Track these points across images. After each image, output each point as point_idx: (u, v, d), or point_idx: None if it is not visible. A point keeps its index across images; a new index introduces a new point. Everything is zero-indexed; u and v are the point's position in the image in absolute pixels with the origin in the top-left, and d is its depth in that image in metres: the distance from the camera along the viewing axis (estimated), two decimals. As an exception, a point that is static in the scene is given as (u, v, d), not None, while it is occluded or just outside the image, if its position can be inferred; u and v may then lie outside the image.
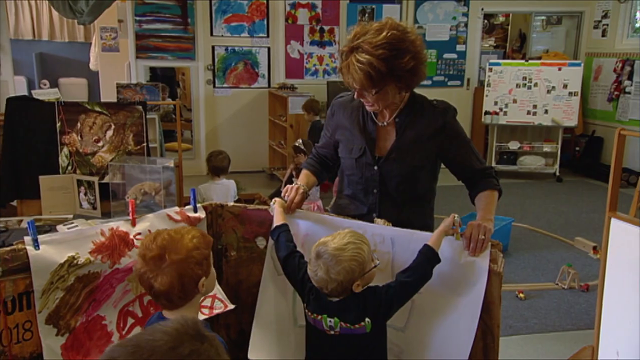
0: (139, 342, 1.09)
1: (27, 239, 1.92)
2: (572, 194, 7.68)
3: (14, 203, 3.90)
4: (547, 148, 8.35)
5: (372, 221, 2.23)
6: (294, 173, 5.42)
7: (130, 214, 2.20)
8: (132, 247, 2.12)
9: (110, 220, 2.39)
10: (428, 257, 2.00)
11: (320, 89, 7.97)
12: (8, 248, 1.90)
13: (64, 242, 1.98)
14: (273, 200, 2.32)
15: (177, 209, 2.33)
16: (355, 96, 2.28)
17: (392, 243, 2.13)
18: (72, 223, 3.42)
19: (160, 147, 6.10)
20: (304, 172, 2.50)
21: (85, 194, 3.66)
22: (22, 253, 1.88)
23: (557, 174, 8.20)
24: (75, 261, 1.97)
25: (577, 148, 8.58)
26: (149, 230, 2.18)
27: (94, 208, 3.62)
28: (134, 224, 2.18)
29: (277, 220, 2.23)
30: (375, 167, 2.32)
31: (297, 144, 5.61)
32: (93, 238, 2.05)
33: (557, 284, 4.68)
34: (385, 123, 2.33)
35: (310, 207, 4.73)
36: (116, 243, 2.09)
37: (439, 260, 2.00)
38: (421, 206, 2.41)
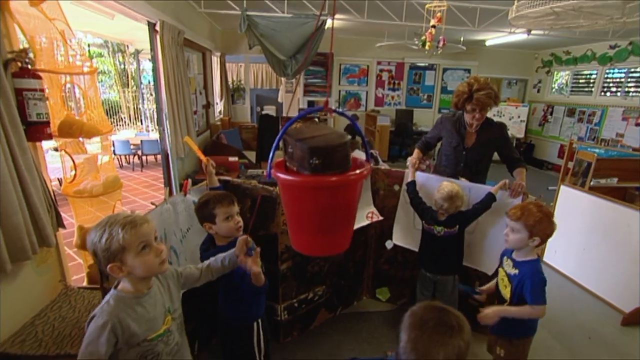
0: None
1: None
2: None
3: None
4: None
5: (457, 179, 2.18)
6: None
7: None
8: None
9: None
10: (490, 198, 1.97)
11: (392, 112, 7.78)
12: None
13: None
14: (408, 160, 2.23)
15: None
16: (472, 115, 2.14)
17: (469, 190, 2.09)
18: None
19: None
20: (416, 150, 2.36)
21: (291, 160, 3.82)
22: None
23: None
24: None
25: (521, 149, 7.96)
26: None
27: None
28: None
29: (410, 177, 2.18)
30: (464, 152, 2.27)
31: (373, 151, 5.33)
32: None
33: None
34: (472, 130, 2.25)
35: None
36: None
37: (495, 200, 1.97)
38: (483, 174, 2.32)
